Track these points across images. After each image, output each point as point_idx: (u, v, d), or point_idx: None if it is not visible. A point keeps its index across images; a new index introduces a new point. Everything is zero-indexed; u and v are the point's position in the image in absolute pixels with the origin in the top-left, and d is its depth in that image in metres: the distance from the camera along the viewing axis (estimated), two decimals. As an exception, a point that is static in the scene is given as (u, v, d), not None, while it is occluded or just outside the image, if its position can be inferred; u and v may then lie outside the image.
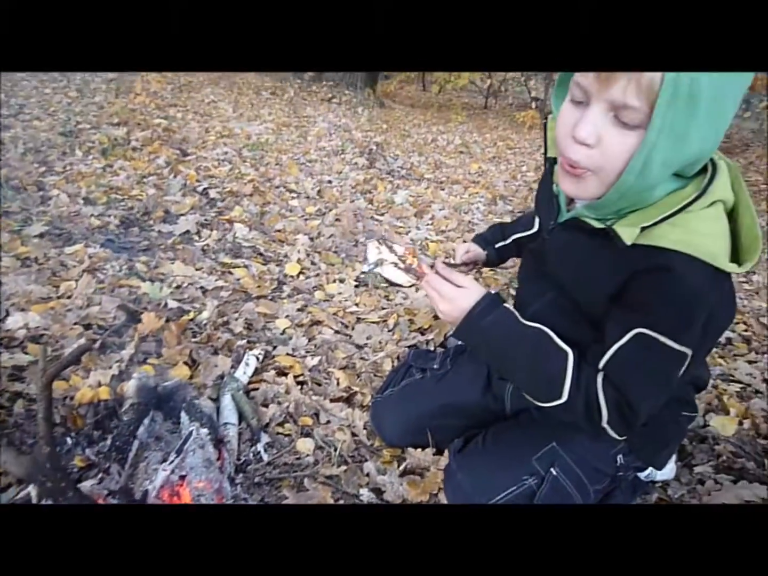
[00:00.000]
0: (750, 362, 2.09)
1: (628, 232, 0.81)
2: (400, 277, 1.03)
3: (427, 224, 3.19)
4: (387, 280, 1.02)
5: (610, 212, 0.86)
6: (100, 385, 1.41)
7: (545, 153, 1.04)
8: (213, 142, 4.30)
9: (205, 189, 3.09)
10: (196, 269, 2.11)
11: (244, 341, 1.67)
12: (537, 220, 1.33)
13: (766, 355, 2.17)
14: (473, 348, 1.07)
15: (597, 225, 0.87)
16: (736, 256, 0.87)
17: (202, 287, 1.99)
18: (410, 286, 1.03)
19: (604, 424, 0.92)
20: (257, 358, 1.56)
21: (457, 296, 1.01)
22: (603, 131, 0.76)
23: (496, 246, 1.43)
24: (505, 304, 1.02)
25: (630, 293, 0.87)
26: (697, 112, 0.71)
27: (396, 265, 1.06)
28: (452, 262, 1.41)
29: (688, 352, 0.86)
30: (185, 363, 1.53)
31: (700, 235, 0.81)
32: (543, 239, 1.07)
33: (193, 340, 1.65)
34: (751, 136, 9.16)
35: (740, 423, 1.61)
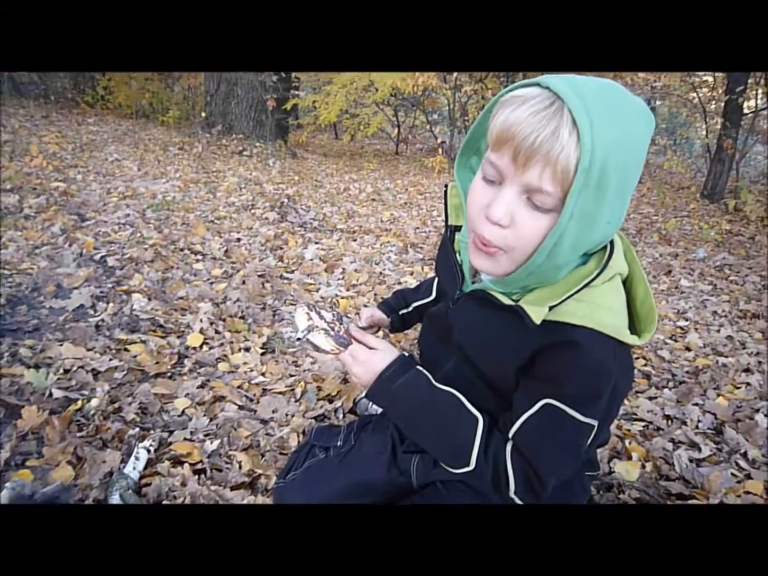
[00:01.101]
0: (651, 398, 2.17)
1: (536, 312, 0.81)
2: (329, 344, 1.01)
3: (338, 279, 3.17)
4: (315, 347, 1.00)
5: (517, 287, 0.87)
6: (-32, 498, 1.27)
7: (446, 221, 1.04)
8: (114, 205, 4.14)
9: (102, 257, 2.95)
10: (88, 349, 1.98)
11: (137, 430, 1.56)
12: (435, 287, 1.34)
13: (665, 390, 2.27)
14: (385, 409, 1.06)
15: (504, 301, 0.86)
16: (632, 327, 0.90)
17: (93, 369, 1.86)
18: (338, 353, 1.01)
19: (512, 495, 0.91)
20: (148, 450, 1.46)
21: (369, 359, 1.01)
22: (516, 213, 0.76)
23: (400, 313, 1.43)
24: (418, 367, 1.01)
25: (538, 366, 0.88)
26: (605, 198, 0.73)
27: (327, 332, 1.03)
28: (359, 324, 1.39)
29: (595, 423, 0.88)
30: (69, 462, 1.41)
31: (604, 309, 0.83)
32: (447, 307, 1.06)
33: (79, 434, 1.52)
34: (642, 170, 9.85)
35: (643, 466, 1.65)
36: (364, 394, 1.22)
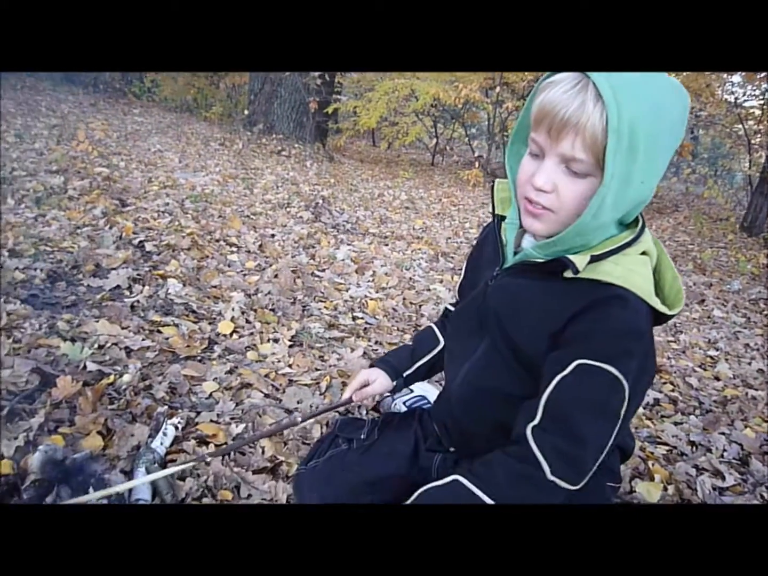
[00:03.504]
0: (676, 423, 2.14)
1: (579, 260, 0.87)
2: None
3: (368, 281, 3.20)
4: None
5: (561, 250, 0.92)
6: (2, 457, 1.32)
7: (493, 211, 1.10)
8: (155, 193, 4.24)
9: (141, 242, 3.02)
10: (122, 328, 2.03)
11: (165, 407, 1.60)
12: (439, 335, 1.33)
13: (691, 416, 2.23)
14: None
15: (545, 260, 0.92)
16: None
17: (126, 347, 1.90)
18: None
19: (552, 478, 0.88)
20: (176, 427, 1.49)
21: None
22: (557, 180, 0.86)
23: (405, 375, 1.35)
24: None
25: (572, 328, 0.90)
26: (637, 159, 0.81)
27: None
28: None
29: (626, 384, 0.87)
30: (99, 432, 1.45)
31: (637, 274, 0.90)
32: (484, 290, 1.08)
33: (110, 407, 1.57)
34: (680, 198, 9.74)
35: (665, 488, 1.63)
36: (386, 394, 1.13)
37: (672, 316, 0.93)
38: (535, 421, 0.90)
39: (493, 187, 1.11)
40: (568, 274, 0.89)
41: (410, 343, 1.39)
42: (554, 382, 0.89)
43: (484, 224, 1.20)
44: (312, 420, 1.66)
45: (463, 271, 1.28)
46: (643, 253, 0.93)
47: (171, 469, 1.19)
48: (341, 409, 1.76)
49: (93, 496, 1.05)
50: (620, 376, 0.86)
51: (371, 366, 1.35)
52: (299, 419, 1.23)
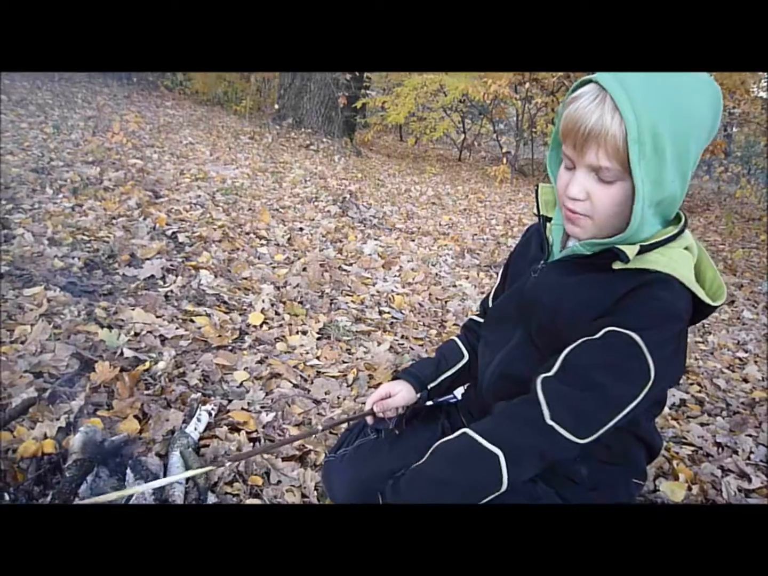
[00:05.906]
0: (702, 424, 2.13)
1: (629, 249, 0.92)
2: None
3: (395, 276, 3.22)
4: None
5: (609, 246, 0.95)
6: (45, 437, 1.38)
7: (538, 212, 1.16)
8: (187, 185, 4.32)
9: (174, 233, 3.09)
10: (157, 316, 2.09)
11: (199, 394, 1.65)
12: (463, 349, 1.33)
13: (718, 418, 2.22)
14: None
15: (596, 251, 0.97)
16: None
17: (161, 335, 1.96)
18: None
19: (550, 422, 0.91)
20: (210, 413, 1.54)
21: None
22: (589, 188, 0.91)
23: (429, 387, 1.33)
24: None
25: (613, 308, 0.94)
26: (666, 161, 0.85)
27: None
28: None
29: (649, 356, 0.89)
30: (135, 416, 1.50)
31: (681, 265, 0.94)
32: (524, 284, 1.12)
33: (146, 392, 1.62)
34: (711, 197, 9.56)
35: (689, 488, 1.63)
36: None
37: (714, 308, 0.96)
38: (550, 373, 0.95)
39: (537, 190, 1.17)
40: (617, 265, 0.94)
41: (434, 356, 1.38)
42: (579, 341, 0.94)
43: (511, 221, 1.23)
44: (339, 411, 1.70)
45: (499, 277, 1.30)
46: (686, 248, 0.97)
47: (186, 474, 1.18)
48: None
49: (119, 495, 1.04)
50: (643, 346, 0.89)
51: (394, 378, 1.34)
52: (319, 428, 1.31)
